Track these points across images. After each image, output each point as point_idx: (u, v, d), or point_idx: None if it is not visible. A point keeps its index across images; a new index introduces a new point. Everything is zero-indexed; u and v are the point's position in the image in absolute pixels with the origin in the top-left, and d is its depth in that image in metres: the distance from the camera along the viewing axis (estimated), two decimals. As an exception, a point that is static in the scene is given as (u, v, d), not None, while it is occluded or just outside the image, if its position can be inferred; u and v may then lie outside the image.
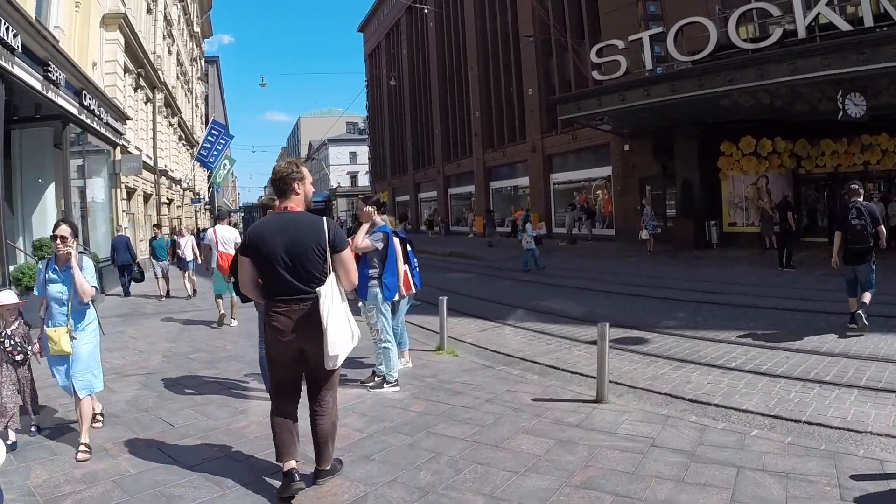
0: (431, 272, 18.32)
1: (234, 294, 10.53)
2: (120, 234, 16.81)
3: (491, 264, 22.09)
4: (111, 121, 18.04)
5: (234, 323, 11.09)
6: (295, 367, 4.27)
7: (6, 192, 14.36)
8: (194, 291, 15.37)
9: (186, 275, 15.44)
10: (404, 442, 5.02)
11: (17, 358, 5.23)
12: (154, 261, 15.88)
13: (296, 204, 4.30)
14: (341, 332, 4.07)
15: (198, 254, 15.63)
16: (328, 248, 4.13)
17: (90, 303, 5.22)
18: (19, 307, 5.39)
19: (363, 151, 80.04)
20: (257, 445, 5.00)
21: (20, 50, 10.85)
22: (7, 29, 10.19)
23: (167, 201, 33.62)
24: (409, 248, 7.34)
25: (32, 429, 5.40)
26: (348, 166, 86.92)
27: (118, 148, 20.05)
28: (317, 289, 4.04)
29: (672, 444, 4.77)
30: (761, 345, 8.19)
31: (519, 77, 34.87)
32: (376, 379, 6.73)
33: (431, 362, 7.72)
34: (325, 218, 4.25)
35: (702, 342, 8.54)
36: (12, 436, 4.99)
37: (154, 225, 18.25)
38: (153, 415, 5.96)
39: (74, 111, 14.59)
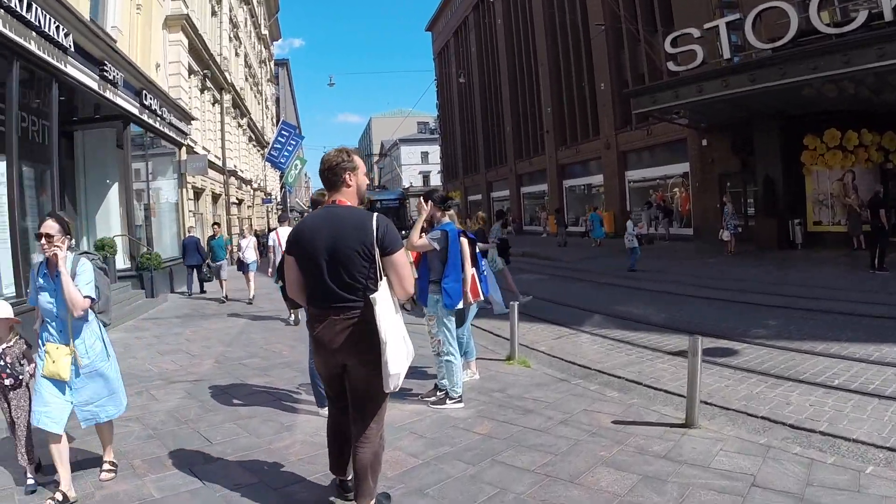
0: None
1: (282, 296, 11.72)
2: (190, 234, 17.06)
3: (564, 265, 21.17)
4: (175, 121, 18.07)
5: (293, 319, 10.98)
6: (340, 381, 3.74)
7: (70, 192, 14.50)
8: (250, 300, 14.37)
9: (248, 277, 14.64)
10: (465, 472, 4.37)
11: (6, 382, 4.20)
12: (210, 262, 15.13)
13: (346, 198, 3.72)
14: (398, 349, 3.48)
15: (257, 256, 15.02)
16: (376, 250, 3.52)
17: (95, 319, 4.37)
18: (12, 323, 4.35)
19: (435, 151, 79.18)
20: (299, 469, 4.48)
21: (73, 49, 10.74)
22: (58, 28, 10.08)
23: (237, 201, 33.94)
24: (477, 250, 6.66)
25: (29, 480, 4.22)
26: (420, 166, 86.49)
27: (183, 148, 20.14)
28: (371, 296, 3.43)
29: (776, 483, 3.98)
30: (865, 358, 7.18)
31: (590, 71, 33.63)
32: (438, 394, 6.08)
33: (500, 374, 7.03)
34: (375, 214, 3.64)
35: (798, 355, 7.57)
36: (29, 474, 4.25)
37: (213, 223, 17.12)
38: (192, 428, 5.51)
39: (135, 111, 14.57)
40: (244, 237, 15.25)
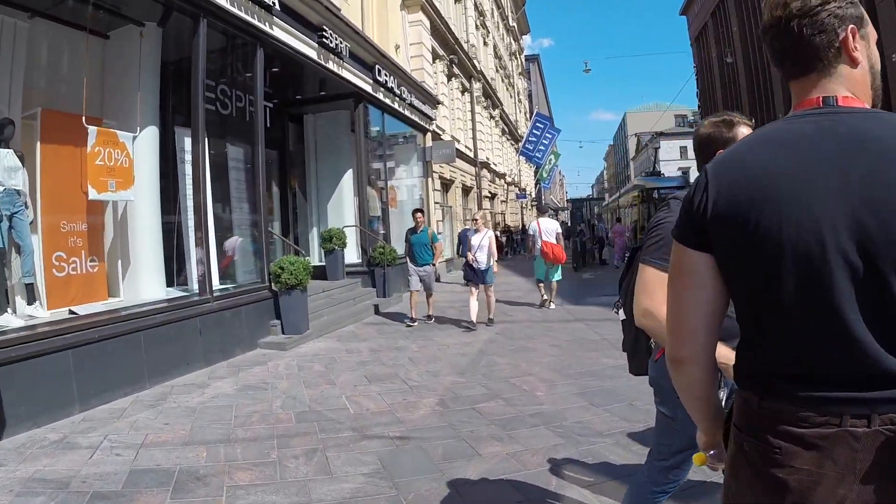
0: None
1: (554, 278, 11.46)
2: (466, 227, 16.79)
3: None
4: (417, 103, 16.41)
5: (553, 306, 11.28)
6: None
7: (300, 179, 13.45)
8: (490, 320, 9.95)
9: (478, 291, 9.86)
10: None
11: None
12: (410, 265, 10.16)
13: (856, 90, 1.23)
14: None
15: (494, 258, 10.03)
16: None
17: None
18: None
19: None
20: None
21: (279, 8, 9.05)
22: (254, -19, 8.40)
23: (489, 195, 32.58)
24: None
25: None
26: (679, 161, 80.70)
27: (428, 134, 18.53)
28: None
29: None
30: None
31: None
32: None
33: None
34: None
35: None
36: None
37: (416, 210, 10.80)
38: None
39: (367, 88, 12.94)
40: (476, 231, 10.08)
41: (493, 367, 6.84)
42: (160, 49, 7.85)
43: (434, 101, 18.61)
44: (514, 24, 51.64)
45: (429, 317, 10.33)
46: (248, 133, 9.14)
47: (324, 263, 11.75)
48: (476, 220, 10.31)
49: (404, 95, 15.25)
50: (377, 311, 11.21)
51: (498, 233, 31.02)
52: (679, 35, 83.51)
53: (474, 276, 9.91)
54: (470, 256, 9.90)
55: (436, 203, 19.17)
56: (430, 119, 18.17)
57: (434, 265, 10.27)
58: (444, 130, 21.58)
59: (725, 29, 50.63)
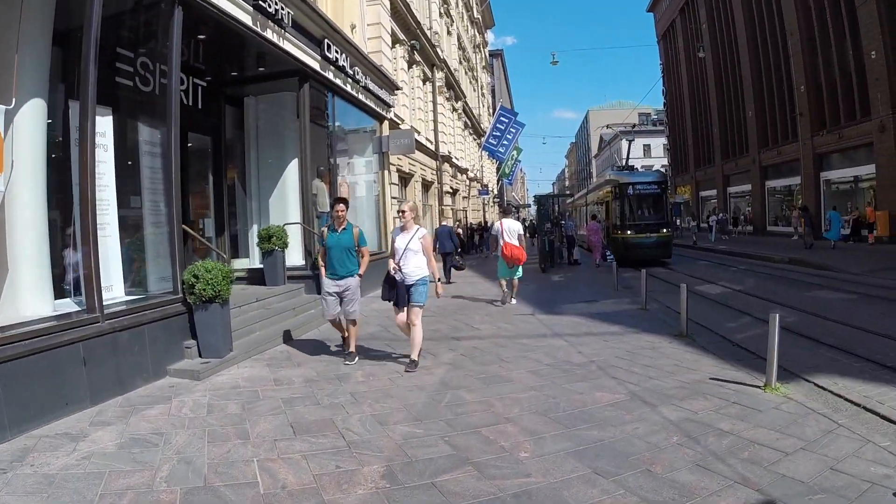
0: (789, 287, 13.23)
1: (515, 276, 11.89)
2: (444, 223, 17.61)
3: (854, 277, 14.56)
4: (373, 86, 14.85)
5: (514, 301, 11.82)
6: None
7: (239, 169, 11.96)
8: (412, 363, 6.79)
9: (409, 313, 6.96)
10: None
11: None
12: (324, 278, 7.31)
13: None
14: None
15: (435, 270, 7.13)
16: None
17: None
18: None
19: (657, 144, 74.95)
20: None
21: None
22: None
23: (451, 191, 31.25)
24: None
25: None
26: (642, 160, 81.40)
27: (386, 123, 16.99)
28: None
29: None
30: None
31: (856, 37, 26.64)
32: None
33: None
34: None
35: None
36: None
37: (337, 199, 7.49)
38: None
39: (314, 65, 11.37)
40: (403, 229, 7.11)
41: (460, 409, 5.31)
42: (53, 5, 6.29)
43: (392, 86, 17.10)
44: (479, 17, 50.45)
45: (349, 353, 7.28)
46: (156, 108, 7.55)
47: (262, 266, 10.24)
48: (403, 212, 7.04)
49: (358, 77, 13.70)
50: (320, 325, 9.48)
51: (460, 231, 29.66)
52: (645, 32, 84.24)
53: (396, 295, 6.92)
54: (392, 265, 6.93)
55: (393, 198, 17.66)
56: (387, 106, 16.64)
57: (360, 276, 7.27)
58: (402, 120, 20.20)
59: (695, 25, 50.46)
